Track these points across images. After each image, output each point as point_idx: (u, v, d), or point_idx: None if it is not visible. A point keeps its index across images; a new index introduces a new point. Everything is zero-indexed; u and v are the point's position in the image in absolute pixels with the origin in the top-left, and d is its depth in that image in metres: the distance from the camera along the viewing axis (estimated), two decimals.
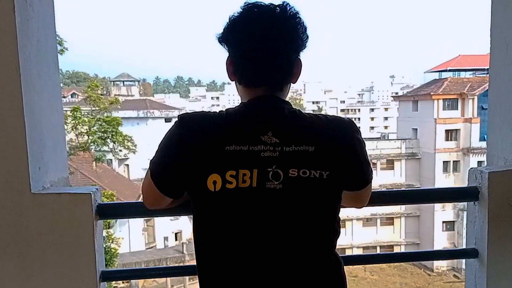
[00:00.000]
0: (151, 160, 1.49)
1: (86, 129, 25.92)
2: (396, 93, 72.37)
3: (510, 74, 1.95)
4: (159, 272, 1.75)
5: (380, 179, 35.21)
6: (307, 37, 1.52)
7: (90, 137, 26.18)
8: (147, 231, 33.34)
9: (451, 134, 35.06)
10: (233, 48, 1.49)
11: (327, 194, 1.44)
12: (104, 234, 19.54)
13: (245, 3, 1.49)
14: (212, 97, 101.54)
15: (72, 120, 24.69)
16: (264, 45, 1.43)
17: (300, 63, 1.55)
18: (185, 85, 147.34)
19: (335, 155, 1.43)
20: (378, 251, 34.80)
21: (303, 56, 1.54)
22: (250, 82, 1.51)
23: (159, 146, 1.47)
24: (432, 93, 35.31)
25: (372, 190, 1.73)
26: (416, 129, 37.33)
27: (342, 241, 35.23)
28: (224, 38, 1.49)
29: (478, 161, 32.58)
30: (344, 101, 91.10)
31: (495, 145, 2.04)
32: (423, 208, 34.08)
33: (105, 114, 26.45)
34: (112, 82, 53.75)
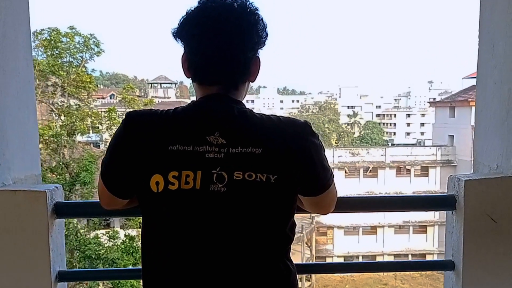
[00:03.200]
0: (102, 160, 1.47)
1: None
2: (434, 98, 71.02)
3: (495, 77, 1.85)
4: (118, 274, 1.72)
5: (414, 186, 34.57)
6: (267, 34, 1.47)
7: None
8: None
9: None
10: (187, 44, 1.44)
11: (275, 199, 1.37)
12: None
13: None
14: (247, 101, 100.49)
15: (107, 121, 25.12)
16: (218, 41, 1.38)
17: (259, 61, 1.49)
18: None
19: (284, 158, 1.36)
20: (410, 260, 34.13)
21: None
22: (203, 79, 1.45)
23: (108, 145, 1.45)
24: (469, 99, 34.35)
25: (346, 196, 1.65)
26: (453, 135, 36.44)
27: (373, 248, 34.74)
28: (178, 33, 1.44)
29: None
30: (380, 106, 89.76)
31: (480, 151, 1.93)
32: None
33: None
34: (150, 84, 54.64)
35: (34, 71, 21.28)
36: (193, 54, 1.43)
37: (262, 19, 1.45)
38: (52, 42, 21.05)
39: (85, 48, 21.42)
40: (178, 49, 1.50)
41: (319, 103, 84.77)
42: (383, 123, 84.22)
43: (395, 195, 1.92)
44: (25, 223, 1.64)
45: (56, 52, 21.35)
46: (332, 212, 1.75)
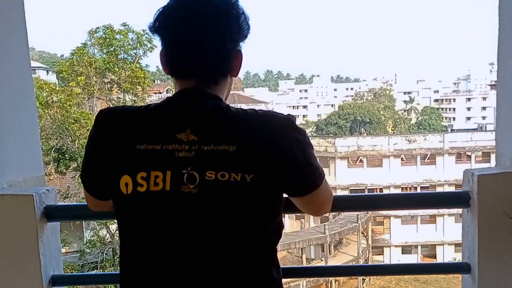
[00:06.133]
0: (82, 161, 1.43)
1: None
2: (496, 81, 68.05)
3: None
4: (115, 279, 1.68)
5: None
6: (248, 27, 1.37)
7: None
8: None
9: None
10: (163, 37, 1.36)
11: (252, 200, 1.26)
12: None
13: None
14: (300, 90, 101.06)
15: None
16: (193, 32, 1.29)
17: (240, 55, 1.39)
18: (274, 79, 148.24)
19: (261, 155, 1.25)
20: None
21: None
22: (180, 73, 1.37)
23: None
24: None
25: (357, 195, 1.53)
26: None
27: (432, 237, 33.81)
28: (154, 27, 1.35)
29: None
30: (438, 91, 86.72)
31: (502, 142, 1.75)
32: None
33: None
34: None
35: (91, 69, 22.11)
36: (169, 47, 1.35)
37: (243, 11, 1.35)
38: (107, 40, 21.61)
39: (139, 44, 21.82)
40: None
41: (374, 90, 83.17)
42: (442, 108, 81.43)
43: (407, 192, 1.75)
44: (14, 228, 1.62)
45: (111, 49, 21.89)
46: (338, 211, 1.65)
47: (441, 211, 32.62)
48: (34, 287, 1.64)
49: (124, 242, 1.36)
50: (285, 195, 1.38)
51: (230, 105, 1.33)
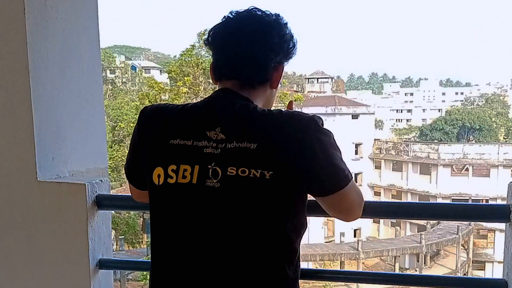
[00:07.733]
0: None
1: None
2: None
3: None
4: None
5: None
6: (294, 46, 1.49)
7: None
8: (327, 225, 33.82)
9: None
10: (213, 47, 1.48)
11: (270, 196, 1.31)
12: None
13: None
14: (405, 93, 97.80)
15: None
16: (236, 39, 1.41)
17: (282, 68, 1.48)
18: (379, 81, 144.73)
19: (281, 154, 1.30)
20: None
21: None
22: (220, 75, 1.47)
23: None
24: None
25: (388, 201, 1.52)
26: None
27: None
28: (208, 41, 1.49)
29: None
30: None
31: None
32: None
33: None
34: (307, 79, 55.74)
35: (198, 69, 23.02)
36: (216, 54, 1.48)
37: (289, 31, 1.47)
38: None
39: None
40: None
41: (486, 95, 78.54)
42: None
43: (442, 202, 1.65)
44: (67, 213, 1.79)
45: None
46: (369, 217, 1.63)
47: None
48: (82, 268, 1.80)
49: (153, 230, 1.46)
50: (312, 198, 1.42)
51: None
